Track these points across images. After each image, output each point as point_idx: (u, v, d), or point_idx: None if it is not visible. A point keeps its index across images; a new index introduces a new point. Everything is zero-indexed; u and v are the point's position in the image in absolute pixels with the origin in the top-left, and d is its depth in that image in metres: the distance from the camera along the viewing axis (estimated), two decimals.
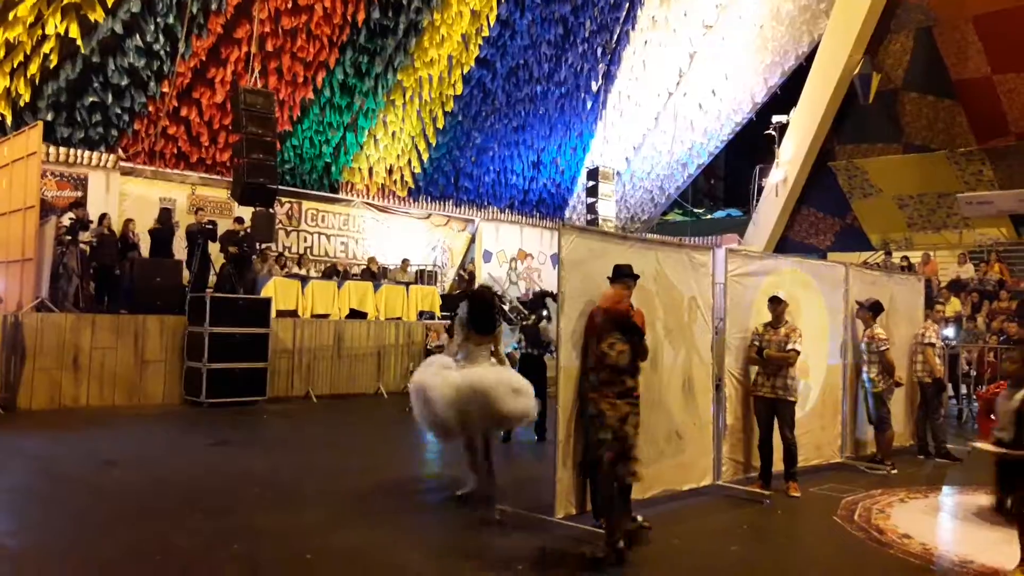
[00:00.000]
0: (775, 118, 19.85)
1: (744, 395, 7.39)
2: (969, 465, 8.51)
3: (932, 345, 8.83)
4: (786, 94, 20.08)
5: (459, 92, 19.03)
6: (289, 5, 15.40)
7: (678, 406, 6.68)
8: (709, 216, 32.03)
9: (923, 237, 18.38)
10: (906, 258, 17.29)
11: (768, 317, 7.19)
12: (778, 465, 7.12)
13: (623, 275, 5.66)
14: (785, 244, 19.53)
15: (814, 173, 18.92)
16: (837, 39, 17.42)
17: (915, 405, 9.29)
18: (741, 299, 7.45)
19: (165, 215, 13.47)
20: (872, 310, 8.40)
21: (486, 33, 18.53)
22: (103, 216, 12.83)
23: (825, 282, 8.46)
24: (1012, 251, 17.23)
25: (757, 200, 20.70)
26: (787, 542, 5.98)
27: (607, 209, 21.82)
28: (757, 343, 7.17)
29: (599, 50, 21.26)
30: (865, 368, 8.42)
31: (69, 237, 11.86)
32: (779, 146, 19.52)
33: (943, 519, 6.78)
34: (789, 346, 6.94)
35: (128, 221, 13.45)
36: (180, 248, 13.60)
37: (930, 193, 17.71)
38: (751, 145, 22.30)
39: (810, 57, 18.90)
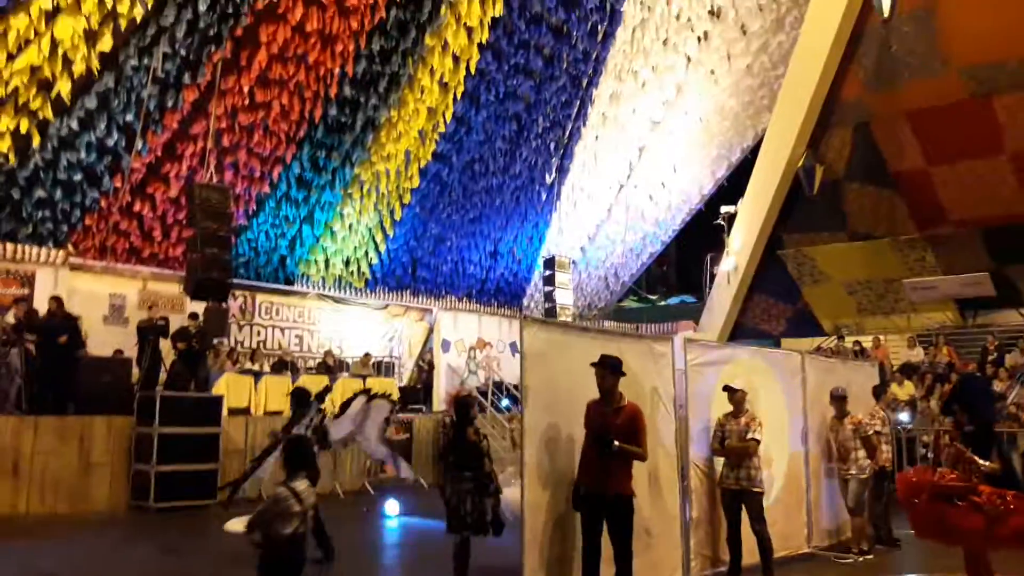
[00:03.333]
0: (723, 208, 20.39)
1: (709, 486, 7.32)
2: (923, 549, 8.36)
3: (879, 433, 8.77)
4: (733, 184, 20.73)
5: (416, 185, 19.24)
6: (246, 102, 15.56)
7: (646, 501, 6.57)
8: (663, 303, 32.42)
9: (873, 322, 18.77)
10: (858, 342, 17.59)
11: (728, 406, 7.20)
12: (747, 558, 7.00)
13: (599, 364, 5.68)
14: (739, 330, 19.77)
15: (764, 261, 19.32)
16: (780, 133, 18.09)
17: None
18: (701, 388, 7.46)
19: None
20: (845, 399, 8.52)
21: (442, 129, 18.90)
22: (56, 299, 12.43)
23: (782, 370, 8.54)
24: (959, 335, 17.65)
25: (710, 287, 21.04)
26: None
27: (564, 297, 21.99)
28: (719, 434, 7.15)
29: (552, 145, 21.80)
30: (853, 455, 8.40)
31: (14, 336, 11.49)
32: (728, 235, 19.97)
33: None
34: (749, 435, 6.93)
35: (76, 318, 13.09)
36: (130, 345, 13.25)
37: (877, 279, 18.19)
38: (701, 233, 22.81)
39: (755, 150, 19.59)
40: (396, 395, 15.87)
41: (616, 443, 5.52)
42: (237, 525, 4.76)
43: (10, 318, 11.87)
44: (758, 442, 6.93)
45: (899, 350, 17.54)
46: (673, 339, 7.65)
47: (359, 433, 8.97)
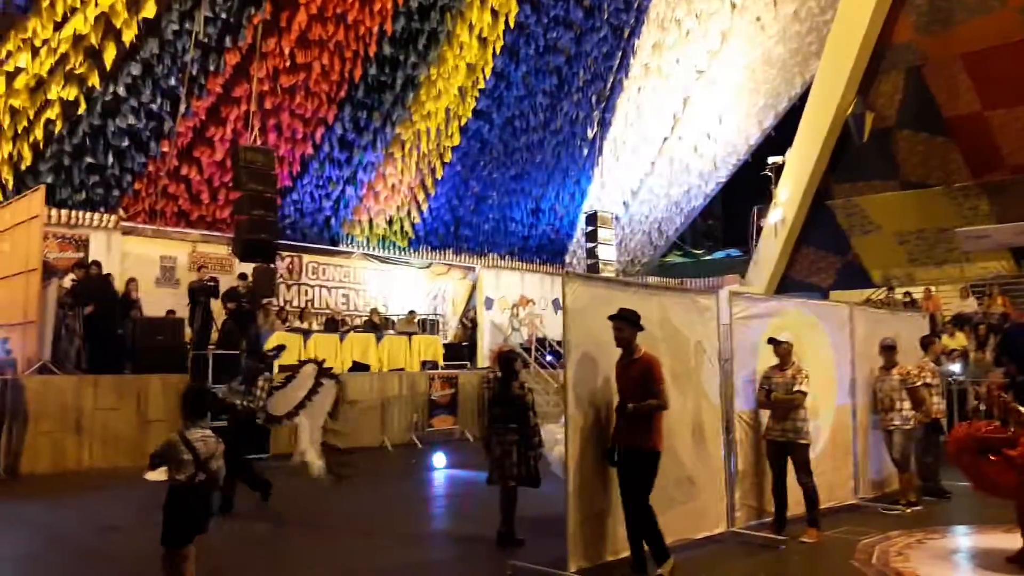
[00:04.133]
0: (771, 159, 20.03)
1: (755, 439, 7.31)
2: (974, 501, 8.29)
3: (928, 386, 8.59)
4: (781, 135, 20.29)
5: (457, 143, 19.23)
6: (287, 64, 15.64)
7: (688, 452, 6.60)
8: (709, 257, 32.09)
9: (924, 272, 18.37)
10: (908, 293, 17.25)
11: (774, 359, 7.14)
12: (794, 509, 7.00)
13: (616, 317, 5.68)
14: (786, 283, 19.51)
15: (812, 212, 18.98)
16: (829, 80, 17.63)
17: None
18: (747, 341, 7.41)
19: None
20: (894, 349, 8.38)
21: (482, 85, 18.79)
22: (91, 264, 12.82)
23: (830, 322, 8.42)
24: (1014, 284, 17.20)
25: (756, 240, 20.76)
26: None
27: (607, 253, 21.88)
28: (765, 387, 7.11)
29: (593, 98, 21.54)
30: (897, 406, 8.30)
31: (71, 299, 11.87)
32: (776, 186, 19.64)
33: (961, 561, 6.63)
34: (795, 388, 6.88)
35: (130, 280, 13.47)
36: (182, 306, 13.60)
37: (929, 229, 17.75)
38: (748, 186, 22.47)
39: (803, 98, 19.12)
40: (441, 352, 16.14)
41: (629, 405, 5.52)
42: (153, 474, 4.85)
43: (67, 282, 12.22)
44: (804, 394, 6.88)
45: (951, 301, 17.16)
46: (718, 292, 7.60)
47: (303, 409, 8.30)
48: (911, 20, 15.92)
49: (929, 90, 16.18)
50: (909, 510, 7.96)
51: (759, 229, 20.62)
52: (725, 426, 7.11)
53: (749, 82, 20.46)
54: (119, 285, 13.29)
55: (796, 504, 6.98)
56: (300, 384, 8.43)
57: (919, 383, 8.29)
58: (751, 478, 7.25)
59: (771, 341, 7.10)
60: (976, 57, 15.22)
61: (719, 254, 32.10)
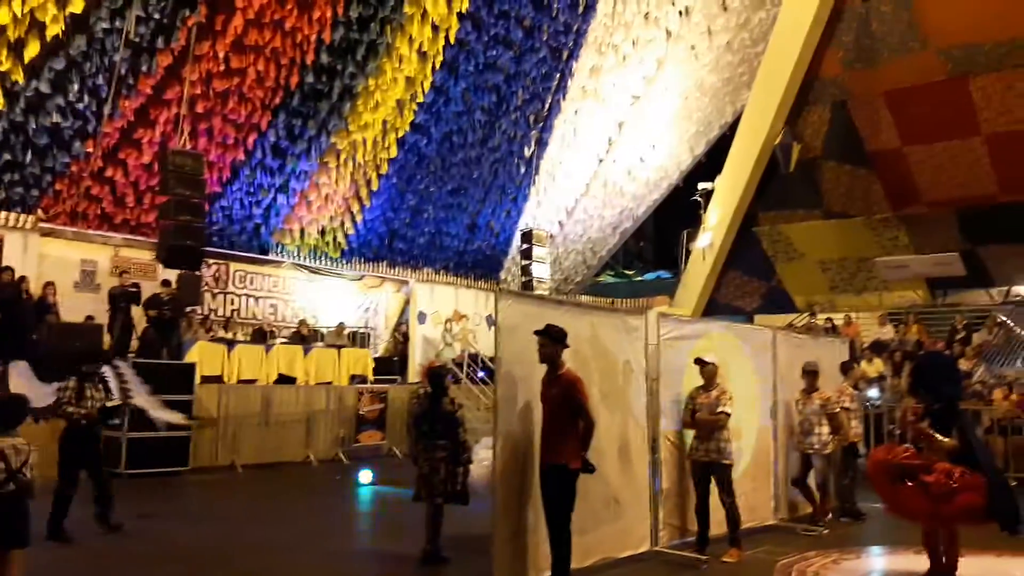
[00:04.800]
0: (701, 184, 20.49)
1: (679, 458, 7.41)
2: (887, 523, 8.55)
3: (848, 410, 8.90)
4: (711, 161, 20.80)
5: (393, 155, 19.08)
6: (221, 68, 15.30)
7: (615, 471, 6.65)
8: (640, 278, 32.60)
9: (845, 299, 19.03)
10: (830, 319, 17.83)
11: (700, 380, 7.27)
12: (716, 528, 7.11)
13: (540, 332, 5.66)
14: (713, 306, 19.96)
15: (739, 238, 19.49)
16: (759, 110, 18.17)
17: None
18: (673, 362, 7.53)
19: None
20: (816, 374, 8.62)
21: (421, 99, 18.72)
22: (18, 278, 12.31)
23: (754, 346, 8.63)
24: (929, 313, 17.94)
25: (685, 263, 21.18)
26: None
27: (541, 271, 22.01)
28: (691, 407, 7.22)
29: (531, 118, 21.69)
30: (816, 430, 8.53)
31: None
32: (705, 211, 20.09)
33: None
34: (719, 409, 7.01)
35: (47, 284, 12.94)
36: (102, 311, 13.11)
37: (851, 257, 18.41)
38: (678, 209, 22.91)
39: (733, 127, 19.65)
40: (371, 366, 15.94)
41: (583, 460, 5.50)
42: None
43: None
44: (728, 415, 7.01)
45: (870, 328, 17.80)
46: (647, 313, 7.71)
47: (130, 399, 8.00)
48: (839, 56, 16.55)
49: (854, 123, 16.83)
50: (827, 530, 8.19)
51: (688, 252, 21.05)
52: (651, 446, 7.20)
53: (682, 109, 20.92)
54: (35, 288, 12.75)
55: (718, 524, 7.09)
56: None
57: (838, 408, 8.56)
58: (675, 498, 7.35)
59: (697, 361, 7.24)
60: (897, 95, 15.91)
61: (650, 275, 32.63)
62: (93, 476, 7.48)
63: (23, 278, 12.95)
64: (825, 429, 8.50)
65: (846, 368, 9.66)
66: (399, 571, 6.58)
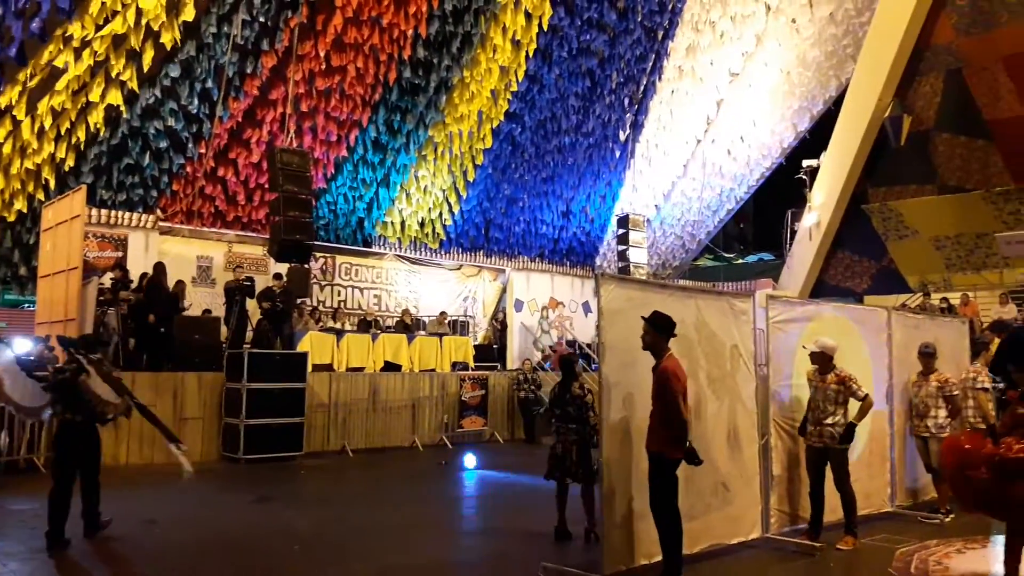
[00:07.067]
0: (805, 162, 19.81)
1: (790, 444, 7.25)
2: None
3: (985, 390, 8.37)
4: (815, 138, 20.07)
5: (489, 145, 19.27)
6: (323, 67, 15.79)
7: (723, 457, 6.56)
8: (741, 261, 31.83)
9: (962, 278, 18.07)
10: (945, 299, 16.98)
11: (810, 364, 7.06)
12: (830, 515, 6.92)
13: (646, 319, 5.62)
14: (821, 288, 19.32)
15: (847, 216, 18.79)
16: (866, 82, 17.44)
17: None
18: (783, 346, 7.35)
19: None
20: (933, 355, 8.23)
21: (515, 88, 18.82)
22: (144, 275, 13.03)
23: (867, 327, 8.32)
24: None
25: (790, 244, 20.56)
26: None
27: (638, 256, 21.77)
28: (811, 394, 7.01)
29: (626, 101, 21.47)
30: (932, 413, 8.17)
31: (110, 297, 12.07)
32: (810, 190, 19.45)
33: (1002, 571, 6.50)
34: (861, 393, 6.79)
35: (179, 282, 13.65)
36: (218, 305, 13.76)
37: (967, 233, 17.47)
38: (781, 189, 22.25)
39: (838, 101, 18.91)
40: (471, 353, 16.18)
41: (688, 445, 5.42)
42: None
43: (106, 280, 12.43)
44: (867, 396, 6.81)
45: (990, 307, 16.85)
46: (754, 296, 7.54)
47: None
48: (951, 21, 15.71)
49: (969, 92, 15.95)
50: (948, 518, 7.84)
51: (792, 233, 20.43)
52: (760, 431, 7.06)
53: (784, 84, 20.24)
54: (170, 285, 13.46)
55: (831, 511, 6.90)
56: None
57: (956, 391, 8.16)
58: (787, 483, 7.19)
59: (815, 344, 6.99)
60: (1018, 59, 14.97)
61: (751, 258, 31.84)
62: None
63: (181, 283, 13.74)
64: (942, 412, 8.12)
65: (978, 348, 9.17)
66: (520, 548, 6.67)
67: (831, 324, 7.81)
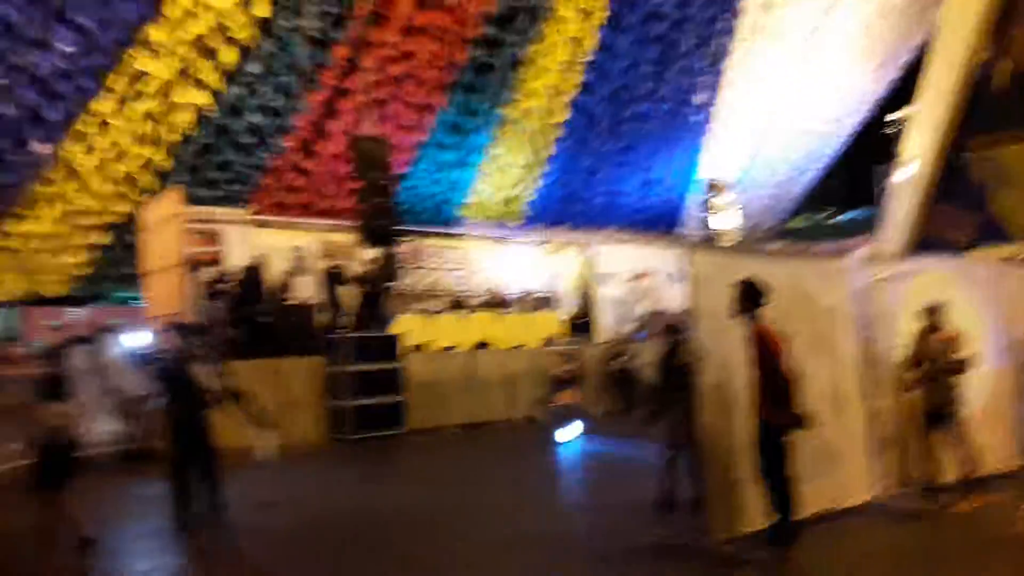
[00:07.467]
0: (892, 115, 19.02)
1: (899, 405, 7.03)
2: None
3: None
4: (903, 88, 19.22)
5: (564, 119, 19.15)
6: (394, 53, 15.92)
7: (828, 421, 6.42)
8: (833, 219, 30.82)
9: None
10: None
11: (916, 323, 6.83)
12: (946, 476, 6.71)
13: (734, 287, 5.58)
14: (922, 243, 18.53)
15: (945, 167, 17.94)
16: (955, 27, 16.56)
17: None
18: (886, 306, 7.11)
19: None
20: None
21: (586, 59, 18.60)
22: (249, 268, 13.51)
23: (977, 281, 7.96)
24: None
25: (883, 200, 19.80)
26: (964, 562, 5.55)
27: (725, 221, 21.33)
28: (917, 350, 6.81)
29: (701, 64, 20.97)
30: None
31: (212, 289, 12.61)
32: (902, 142, 18.65)
33: None
34: (955, 356, 6.57)
35: (285, 272, 14.11)
36: (313, 293, 14.14)
37: None
38: (869, 144, 21.44)
39: (923, 49, 18.02)
40: (560, 328, 16.22)
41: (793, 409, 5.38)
42: None
43: (208, 274, 12.97)
44: (964, 361, 6.57)
45: None
46: (851, 255, 7.32)
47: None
48: None
49: None
50: None
51: (885, 188, 19.66)
52: (866, 393, 6.87)
53: (865, 36, 19.43)
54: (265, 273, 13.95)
55: (947, 472, 6.69)
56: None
57: None
58: (897, 446, 6.99)
59: (925, 310, 6.78)
60: None
61: (844, 216, 30.78)
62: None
63: (286, 274, 14.15)
64: None
65: None
66: (625, 519, 6.71)
67: (937, 280, 7.51)
